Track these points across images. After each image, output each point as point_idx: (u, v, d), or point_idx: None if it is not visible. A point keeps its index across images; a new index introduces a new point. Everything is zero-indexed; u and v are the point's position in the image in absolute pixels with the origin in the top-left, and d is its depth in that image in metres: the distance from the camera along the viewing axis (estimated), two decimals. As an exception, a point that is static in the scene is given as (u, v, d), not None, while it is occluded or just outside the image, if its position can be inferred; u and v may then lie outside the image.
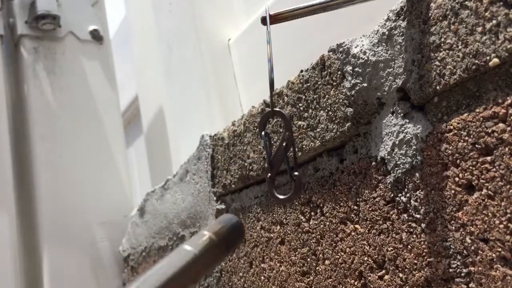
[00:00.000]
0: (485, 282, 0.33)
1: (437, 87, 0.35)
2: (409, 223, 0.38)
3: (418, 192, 0.37)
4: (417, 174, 0.37)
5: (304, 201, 0.50)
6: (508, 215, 0.31)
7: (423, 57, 0.36)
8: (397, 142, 0.39)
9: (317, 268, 0.49)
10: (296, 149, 0.49)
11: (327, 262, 0.47)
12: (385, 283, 0.41)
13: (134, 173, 1.43)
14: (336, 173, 0.46)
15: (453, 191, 0.35)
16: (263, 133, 0.41)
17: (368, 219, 0.42)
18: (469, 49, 0.32)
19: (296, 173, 0.38)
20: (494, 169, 0.32)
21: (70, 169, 1.06)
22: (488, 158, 0.32)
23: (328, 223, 0.47)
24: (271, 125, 0.52)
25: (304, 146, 0.48)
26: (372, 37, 0.40)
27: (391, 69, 0.38)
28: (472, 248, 0.33)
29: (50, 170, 1.04)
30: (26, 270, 1.03)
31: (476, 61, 0.32)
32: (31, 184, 1.04)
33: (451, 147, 0.35)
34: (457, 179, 0.34)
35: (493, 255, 0.32)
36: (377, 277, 0.42)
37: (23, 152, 1.07)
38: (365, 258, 0.43)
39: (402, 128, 0.38)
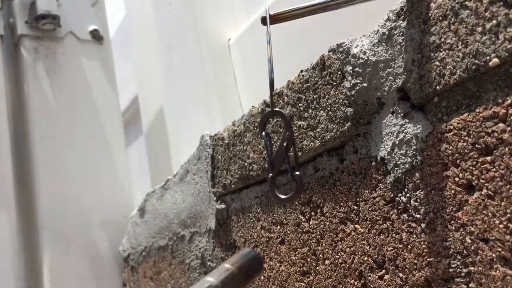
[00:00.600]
0: (485, 282, 0.33)
1: (437, 87, 0.35)
2: (409, 223, 0.38)
3: (418, 192, 0.37)
4: (417, 174, 0.37)
5: (304, 201, 0.50)
6: (508, 215, 0.31)
7: (423, 57, 0.36)
8: (397, 142, 0.39)
9: (317, 268, 0.49)
10: (297, 149, 0.49)
11: (327, 262, 0.47)
12: (385, 283, 0.41)
13: (134, 173, 1.43)
14: (336, 173, 0.46)
15: (453, 191, 0.35)
16: (263, 133, 0.41)
17: (368, 219, 0.42)
18: (469, 49, 0.32)
19: (297, 172, 0.38)
20: (494, 169, 0.32)
21: (70, 169, 1.06)
22: (488, 158, 0.32)
23: (328, 223, 0.47)
24: (271, 125, 0.52)
25: (304, 146, 0.48)
26: (372, 37, 0.40)
27: (391, 69, 0.38)
28: (472, 248, 0.33)
29: (50, 170, 1.04)
30: (26, 270, 1.03)
31: (476, 61, 0.32)
32: (31, 184, 1.04)
33: (451, 147, 0.35)
34: (457, 179, 0.34)
35: (493, 255, 0.32)
36: (377, 277, 0.42)
37: (23, 152, 1.07)
38: (365, 258, 0.43)
39: (402, 128, 0.38)
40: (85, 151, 1.09)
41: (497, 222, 0.32)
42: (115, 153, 1.12)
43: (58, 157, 1.06)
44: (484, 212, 0.33)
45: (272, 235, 0.55)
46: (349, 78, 0.42)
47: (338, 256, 0.46)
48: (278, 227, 0.54)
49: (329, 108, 0.44)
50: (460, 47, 0.33)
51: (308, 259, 0.50)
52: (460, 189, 0.34)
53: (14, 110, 1.09)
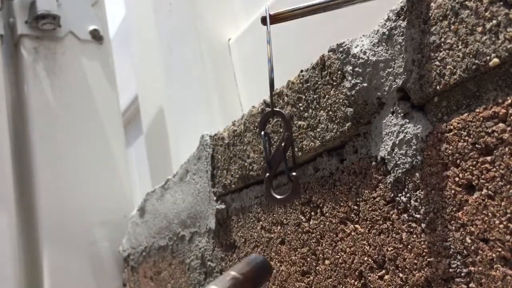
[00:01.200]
0: (485, 282, 0.33)
1: (437, 87, 0.35)
2: (409, 223, 0.38)
3: (418, 192, 0.37)
4: (417, 174, 0.37)
5: (304, 201, 0.50)
6: (508, 215, 0.31)
7: (423, 57, 0.36)
8: (397, 142, 0.39)
9: (317, 268, 0.49)
10: (296, 149, 0.49)
11: (327, 262, 0.47)
12: (385, 283, 0.41)
13: (134, 173, 1.44)
14: (336, 173, 0.46)
15: (453, 191, 0.35)
16: (262, 133, 0.41)
17: (368, 219, 0.42)
18: (469, 49, 0.32)
19: (294, 173, 0.38)
20: (494, 169, 0.32)
21: (70, 169, 1.06)
22: (488, 158, 0.32)
23: (328, 223, 0.47)
24: (271, 125, 0.52)
25: (304, 146, 0.48)
26: (372, 37, 0.40)
27: (391, 69, 0.38)
28: (472, 248, 0.33)
29: (50, 170, 1.04)
30: (26, 270, 1.03)
31: (476, 61, 0.32)
32: (31, 184, 1.04)
33: (451, 147, 0.35)
34: (457, 179, 0.34)
35: (493, 255, 0.32)
36: (377, 277, 0.42)
37: (23, 152, 1.07)
38: (365, 258, 0.43)
39: (402, 128, 0.38)
40: (85, 151, 1.09)
41: (497, 222, 0.32)
42: (115, 153, 1.12)
43: (58, 157, 1.06)
44: (484, 212, 0.33)
45: (272, 235, 0.55)
46: (349, 78, 0.42)
47: (338, 256, 0.46)
48: (278, 227, 0.54)
49: (329, 108, 0.44)
50: (460, 47, 0.33)
51: (308, 259, 0.50)
52: (460, 189, 0.34)
53: (14, 110, 1.09)
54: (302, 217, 0.50)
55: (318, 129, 0.46)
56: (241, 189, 0.61)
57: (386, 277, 0.41)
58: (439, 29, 0.34)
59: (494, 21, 0.30)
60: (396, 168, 0.39)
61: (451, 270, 0.35)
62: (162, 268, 0.86)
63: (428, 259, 0.37)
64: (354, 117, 0.42)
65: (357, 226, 0.44)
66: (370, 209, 0.42)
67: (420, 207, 0.37)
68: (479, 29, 0.31)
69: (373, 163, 0.42)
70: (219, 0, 0.92)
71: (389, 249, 0.40)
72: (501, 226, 0.31)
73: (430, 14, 0.35)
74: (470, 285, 0.34)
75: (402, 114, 0.38)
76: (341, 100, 0.43)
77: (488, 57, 0.31)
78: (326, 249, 0.47)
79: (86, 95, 1.13)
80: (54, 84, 1.10)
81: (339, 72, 0.43)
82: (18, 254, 0.99)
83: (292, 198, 0.39)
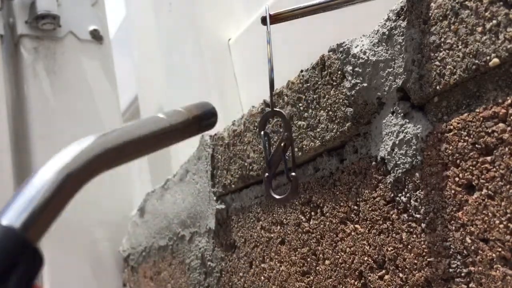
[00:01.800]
0: (485, 282, 0.33)
1: (437, 87, 0.35)
2: (409, 223, 0.38)
3: (418, 192, 0.37)
4: (417, 174, 0.37)
5: (304, 201, 0.50)
6: (508, 215, 0.31)
7: (423, 57, 0.36)
8: (397, 142, 0.39)
9: (317, 268, 0.49)
10: (296, 149, 0.49)
11: (327, 262, 0.47)
12: (385, 283, 0.41)
13: (134, 173, 1.43)
14: (336, 173, 0.46)
15: (453, 191, 0.35)
16: (262, 133, 0.41)
17: (368, 219, 0.42)
18: (469, 49, 0.32)
19: (293, 173, 0.38)
20: (494, 169, 0.32)
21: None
22: (488, 158, 0.32)
23: (328, 223, 0.47)
24: (271, 125, 0.52)
25: (304, 146, 0.48)
26: (372, 37, 0.40)
27: (391, 69, 0.38)
28: (472, 248, 0.33)
29: (50, 170, 1.04)
30: (26, 270, 1.03)
31: (476, 61, 0.32)
32: (31, 184, 1.04)
33: (451, 147, 0.35)
34: (457, 179, 0.34)
35: (493, 255, 0.32)
36: (377, 277, 0.42)
37: (23, 152, 1.07)
38: (365, 258, 0.43)
39: (402, 128, 0.38)
40: (85, 151, 1.08)
41: (497, 222, 0.32)
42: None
43: (58, 157, 1.05)
44: (484, 212, 0.33)
45: (272, 235, 0.55)
46: (349, 78, 0.42)
47: (338, 256, 0.46)
48: (278, 227, 0.54)
49: (329, 108, 0.44)
50: (460, 47, 0.33)
51: (308, 259, 0.50)
52: (460, 189, 0.34)
53: (14, 110, 1.09)
54: (302, 217, 0.50)
55: (318, 129, 0.46)
56: (241, 189, 0.61)
57: (386, 277, 0.41)
58: (439, 29, 0.34)
59: (494, 21, 0.30)
60: (396, 168, 0.39)
61: (451, 270, 0.35)
62: (162, 268, 0.86)
63: (428, 259, 0.37)
64: (354, 117, 0.42)
65: (357, 226, 0.44)
66: (370, 209, 0.42)
67: (420, 207, 0.37)
68: (479, 29, 0.31)
69: (373, 163, 0.42)
70: (219, 0, 0.92)
71: (389, 249, 0.40)
72: (501, 226, 0.31)
73: (430, 14, 0.35)
74: (470, 285, 0.34)
75: (402, 114, 0.38)
76: (341, 100, 0.43)
77: (488, 57, 0.31)
78: (326, 249, 0.47)
79: (86, 95, 1.13)
80: (54, 84, 1.10)
81: (339, 72, 0.43)
82: (18, 254, 0.99)
83: (291, 198, 0.39)
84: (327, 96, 0.45)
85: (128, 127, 0.30)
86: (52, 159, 0.25)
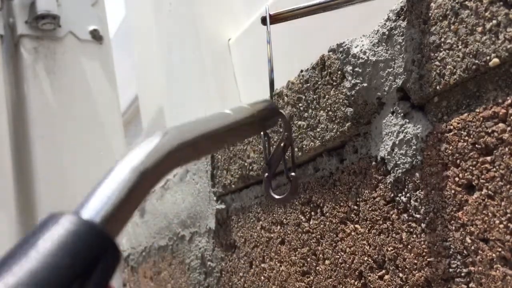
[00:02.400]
0: (485, 282, 0.33)
1: (437, 87, 0.35)
2: (409, 223, 0.38)
3: (418, 192, 0.37)
4: (417, 174, 0.37)
5: (304, 201, 0.50)
6: (508, 215, 0.31)
7: (423, 57, 0.36)
8: (397, 142, 0.39)
9: (317, 268, 0.49)
10: (296, 149, 0.49)
11: (327, 262, 0.47)
12: (385, 283, 0.41)
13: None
14: (336, 173, 0.46)
15: (453, 191, 0.35)
16: (262, 133, 0.41)
17: (368, 219, 0.42)
18: (469, 49, 0.32)
19: (292, 173, 0.38)
20: (494, 169, 0.32)
21: (70, 169, 1.06)
22: (488, 158, 0.32)
23: (328, 223, 0.47)
24: (271, 125, 0.52)
25: (304, 146, 0.48)
26: (372, 37, 0.40)
27: (391, 69, 0.38)
28: (472, 248, 0.33)
29: (50, 170, 1.04)
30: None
31: (476, 61, 0.32)
32: (31, 183, 1.04)
33: (451, 147, 0.35)
34: (457, 179, 0.34)
35: (493, 255, 0.32)
36: (377, 277, 0.42)
37: (23, 152, 1.07)
38: (365, 258, 0.43)
39: (402, 128, 0.38)
40: (85, 151, 1.09)
41: (497, 222, 0.32)
42: (115, 153, 1.12)
43: (58, 156, 1.06)
44: (484, 212, 0.33)
45: (272, 235, 0.55)
46: (349, 78, 0.42)
47: (338, 256, 0.46)
48: (278, 227, 0.54)
49: (329, 108, 0.44)
50: (460, 47, 0.33)
51: (308, 259, 0.50)
52: (460, 189, 0.34)
53: (14, 110, 1.09)
54: (302, 217, 0.50)
55: (318, 129, 0.46)
56: (241, 189, 0.61)
57: (386, 277, 0.41)
58: (439, 29, 0.34)
59: (494, 21, 0.30)
60: (396, 168, 0.39)
61: (451, 270, 0.35)
62: (162, 268, 0.86)
63: (428, 259, 0.37)
64: (354, 117, 0.42)
65: (357, 226, 0.44)
66: (370, 209, 0.42)
67: (420, 207, 0.37)
68: (479, 29, 0.31)
69: (373, 163, 0.42)
70: (219, 0, 0.92)
71: (389, 249, 0.40)
72: (501, 226, 0.31)
73: (430, 14, 0.35)
74: (470, 285, 0.34)
75: (402, 114, 0.38)
76: (341, 100, 0.43)
77: (488, 57, 0.31)
78: (326, 249, 0.47)
79: (86, 95, 1.13)
80: (54, 84, 1.10)
81: (339, 72, 0.43)
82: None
83: (291, 198, 0.39)
84: (327, 96, 0.45)
85: (196, 123, 0.30)
86: (127, 156, 0.25)
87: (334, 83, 0.44)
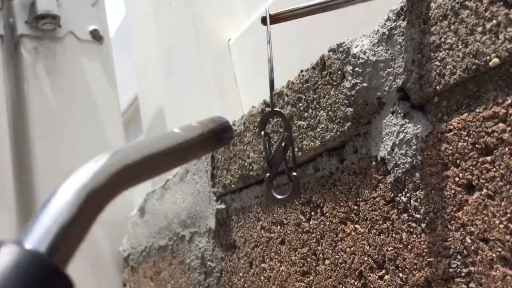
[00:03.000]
0: (485, 282, 0.33)
1: (437, 87, 0.35)
2: (409, 223, 0.38)
3: (418, 192, 0.37)
4: (417, 174, 0.37)
5: (304, 201, 0.50)
6: (508, 215, 0.31)
7: (423, 57, 0.36)
8: (397, 142, 0.39)
9: (317, 268, 0.49)
10: (296, 149, 0.49)
11: (327, 262, 0.47)
12: (385, 283, 0.41)
13: (134, 173, 1.43)
14: (336, 173, 0.46)
15: (453, 191, 0.35)
16: (262, 133, 0.41)
17: (368, 219, 0.42)
18: (469, 49, 0.32)
19: (294, 173, 0.38)
20: (494, 169, 0.32)
21: (70, 169, 1.06)
22: (488, 158, 0.32)
23: (328, 223, 0.47)
24: (271, 125, 0.52)
25: (304, 146, 0.48)
26: (372, 37, 0.40)
27: (391, 69, 0.38)
28: (472, 248, 0.33)
29: (50, 170, 1.04)
30: (26, 270, 1.02)
31: (476, 61, 0.32)
32: (31, 184, 1.04)
33: (451, 147, 0.35)
34: (457, 179, 0.34)
35: (493, 255, 0.32)
36: (377, 277, 0.42)
37: (23, 152, 1.07)
38: (365, 258, 0.43)
39: (402, 128, 0.38)
40: (85, 151, 1.09)
41: (497, 222, 0.32)
42: (115, 153, 1.12)
43: (58, 157, 1.05)
44: (484, 212, 0.33)
45: (272, 235, 0.55)
46: (349, 78, 0.42)
47: (338, 256, 0.46)
48: (278, 227, 0.54)
49: (329, 108, 0.44)
50: (460, 47, 0.33)
51: (308, 259, 0.50)
52: (460, 189, 0.34)
53: (14, 110, 1.09)
54: (302, 217, 0.50)
55: (318, 129, 0.46)
56: (241, 189, 0.61)
57: (386, 277, 0.41)
58: (439, 29, 0.34)
59: (494, 21, 0.30)
60: (396, 168, 0.39)
61: (451, 270, 0.35)
62: (162, 268, 0.86)
63: (428, 259, 0.37)
64: (354, 117, 0.42)
65: (357, 226, 0.44)
66: (370, 209, 0.42)
67: (420, 207, 0.37)
68: (479, 29, 0.31)
69: (373, 163, 0.42)
70: (219, 0, 0.92)
71: (389, 249, 0.40)
72: (501, 226, 0.31)
73: (430, 14, 0.35)
74: (470, 285, 0.34)
75: (402, 114, 0.38)
76: (341, 100, 0.43)
77: (488, 57, 0.31)
78: (326, 249, 0.47)
79: (86, 95, 1.13)
80: (54, 84, 1.10)
81: (339, 72, 0.43)
82: (18, 254, 0.99)
83: (292, 198, 0.39)
84: (327, 96, 0.45)
85: (145, 142, 0.29)
86: (70, 177, 0.23)
87: (334, 83, 0.44)
